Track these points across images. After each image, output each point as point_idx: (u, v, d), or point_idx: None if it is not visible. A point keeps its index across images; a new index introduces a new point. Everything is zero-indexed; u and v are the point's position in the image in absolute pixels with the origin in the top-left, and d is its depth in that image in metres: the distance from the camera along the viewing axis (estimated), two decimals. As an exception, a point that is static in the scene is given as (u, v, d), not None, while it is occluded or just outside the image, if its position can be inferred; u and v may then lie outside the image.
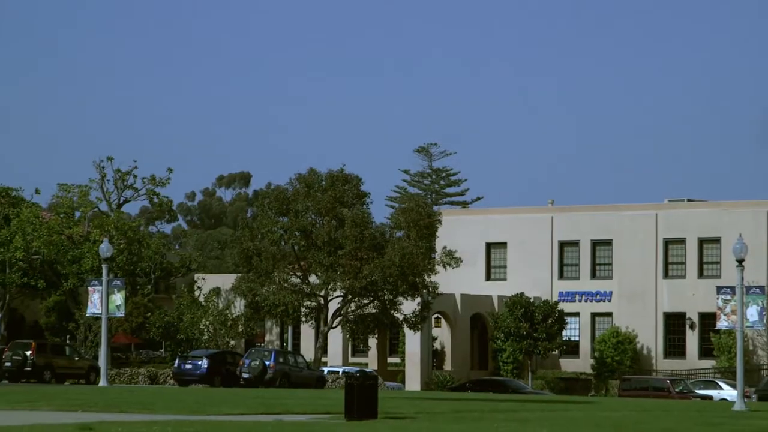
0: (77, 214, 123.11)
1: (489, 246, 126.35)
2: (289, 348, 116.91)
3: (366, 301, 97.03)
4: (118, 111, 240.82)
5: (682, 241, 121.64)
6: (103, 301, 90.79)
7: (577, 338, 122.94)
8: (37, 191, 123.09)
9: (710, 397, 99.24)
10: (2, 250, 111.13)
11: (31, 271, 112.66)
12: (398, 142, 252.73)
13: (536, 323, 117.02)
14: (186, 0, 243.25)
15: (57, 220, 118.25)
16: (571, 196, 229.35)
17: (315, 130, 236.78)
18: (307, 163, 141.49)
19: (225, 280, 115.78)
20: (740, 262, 78.99)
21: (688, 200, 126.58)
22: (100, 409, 58.97)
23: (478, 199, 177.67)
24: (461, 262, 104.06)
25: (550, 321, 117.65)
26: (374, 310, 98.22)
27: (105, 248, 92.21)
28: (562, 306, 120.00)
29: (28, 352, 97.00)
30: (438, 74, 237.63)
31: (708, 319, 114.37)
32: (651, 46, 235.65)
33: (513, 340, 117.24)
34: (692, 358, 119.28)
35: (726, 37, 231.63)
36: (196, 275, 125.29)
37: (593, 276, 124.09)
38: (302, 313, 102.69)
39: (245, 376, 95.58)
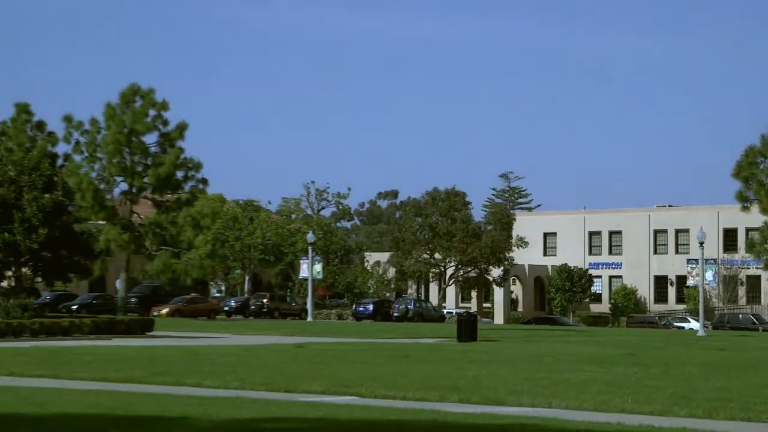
0: (293, 216, 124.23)
1: (545, 235, 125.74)
2: (422, 297, 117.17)
3: (469, 269, 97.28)
4: (318, 144, 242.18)
5: (665, 231, 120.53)
6: (309, 269, 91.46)
7: (600, 291, 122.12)
8: (269, 202, 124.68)
9: (683, 328, 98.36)
10: (249, 238, 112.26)
11: (265, 251, 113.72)
12: (489, 169, 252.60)
13: (574, 282, 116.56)
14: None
15: (281, 219, 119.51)
16: (596, 201, 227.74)
17: (439, 161, 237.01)
18: (434, 183, 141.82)
19: (383, 257, 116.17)
20: (701, 244, 78.64)
21: (669, 205, 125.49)
22: (308, 334, 59.42)
23: (538, 206, 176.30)
24: (528, 244, 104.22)
25: (583, 281, 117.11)
26: (474, 275, 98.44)
27: (310, 237, 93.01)
28: (591, 272, 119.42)
29: (265, 300, 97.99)
30: (513, 121, 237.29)
31: (681, 280, 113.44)
32: (654, 88, 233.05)
33: (560, 293, 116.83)
34: (671, 303, 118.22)
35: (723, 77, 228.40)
36: (365, 253, 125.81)
37: (610, 253, 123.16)
38: (430, 277, 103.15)
39: (396, 315, 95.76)
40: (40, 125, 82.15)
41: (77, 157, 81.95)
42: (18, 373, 29.66)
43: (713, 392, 26.35)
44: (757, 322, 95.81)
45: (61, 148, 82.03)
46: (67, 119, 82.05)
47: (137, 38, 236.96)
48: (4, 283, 60.77)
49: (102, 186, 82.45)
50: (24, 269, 58.05)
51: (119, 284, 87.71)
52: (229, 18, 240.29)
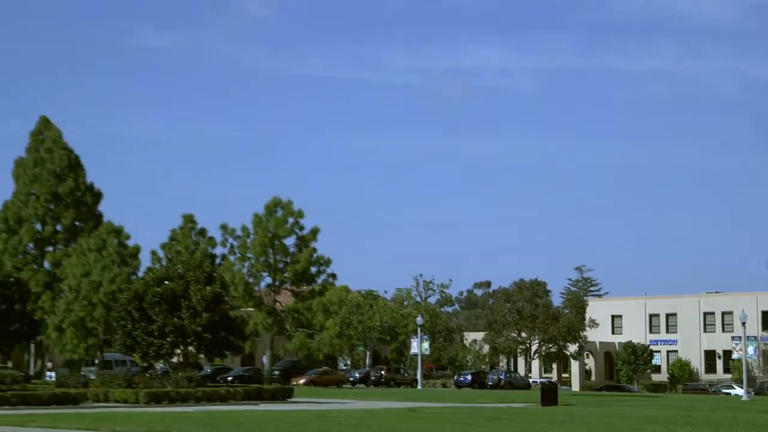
0: (405, 302, 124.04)
1: (613, 317, 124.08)
2: (512, 369, 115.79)
3: (550, 345, 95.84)
4: (426, 244, 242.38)
5: (713, 313, 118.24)
6: (419, 346, 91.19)
7: (659, 363, 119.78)
8: (385, 291, 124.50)
9: (729, 394, 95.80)
10: (369, 321, 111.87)
11: (383, 332, 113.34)
12: (564, 263, 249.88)
13: (638, 356, 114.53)
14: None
15: (395, 306, 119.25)
16: (654, 288, 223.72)
17: (524, 257, 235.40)
18: (520, 275, 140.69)
19: (478, 336, 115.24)
20: (743, 324, 77.01)
21: (716, 292, 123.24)
22: (419, 400, 59.08)
23: (607, 293, 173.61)
24: (598, 325, 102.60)
25: (645, 355, 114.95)
26: (554, 350, 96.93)
27: (419, 320, 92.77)
28: (651, 347, 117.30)
29: (383, 372, 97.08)
30: (586, 222, 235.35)
31: (727, 354, 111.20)
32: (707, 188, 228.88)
33: (626, 365, 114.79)
34: (719, 373, 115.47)
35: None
36: (464, 333, 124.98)
37: (667, 331, 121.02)
38: (518, 352, 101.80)
39: (490, 383, 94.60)
40: (202, 232, 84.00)
41: (231, 257, 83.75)
42: (186, 432, 30.13)
43: (757, 448, 25.81)
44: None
45: (219, 250, 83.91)
46: (223, 227, 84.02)
47: (278, 159, 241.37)
48: (174, 359, 61.82)
49: (251, 280, 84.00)
50: (190, 348, 59.03)
51: (265, 359, 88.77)
52: (360, 143, 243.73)
